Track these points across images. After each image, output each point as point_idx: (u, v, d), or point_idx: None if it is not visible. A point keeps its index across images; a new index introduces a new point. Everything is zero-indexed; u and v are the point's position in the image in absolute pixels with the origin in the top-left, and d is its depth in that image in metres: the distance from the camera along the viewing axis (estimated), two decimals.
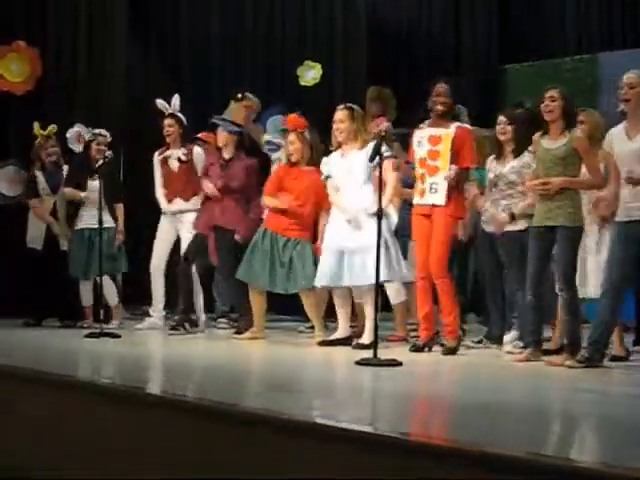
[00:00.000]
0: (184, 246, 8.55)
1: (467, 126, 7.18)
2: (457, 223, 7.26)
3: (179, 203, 8.73)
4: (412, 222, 7.11)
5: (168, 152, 8.77)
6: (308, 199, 7.73)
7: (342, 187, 7.41)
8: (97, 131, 8.93)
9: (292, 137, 7.81)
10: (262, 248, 7.71)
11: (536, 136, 6.61)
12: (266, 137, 8.24)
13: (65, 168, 9.01)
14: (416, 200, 7.06)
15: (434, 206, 6.91)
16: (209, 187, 8.30)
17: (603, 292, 6.11)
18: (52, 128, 8.98)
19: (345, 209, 7.30)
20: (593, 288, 6.58)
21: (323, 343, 7.39)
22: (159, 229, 8.81)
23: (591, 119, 6.82)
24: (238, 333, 8.01)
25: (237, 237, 8.13)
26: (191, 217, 8.62)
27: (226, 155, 8.35)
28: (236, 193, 8.25)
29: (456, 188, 6.95)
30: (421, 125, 7.12)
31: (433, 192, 6.90)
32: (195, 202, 8.65)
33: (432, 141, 6.98)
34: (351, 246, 7.20)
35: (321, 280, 7.37)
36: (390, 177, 7.20)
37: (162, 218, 8.82)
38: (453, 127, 6.97)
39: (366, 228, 7.10)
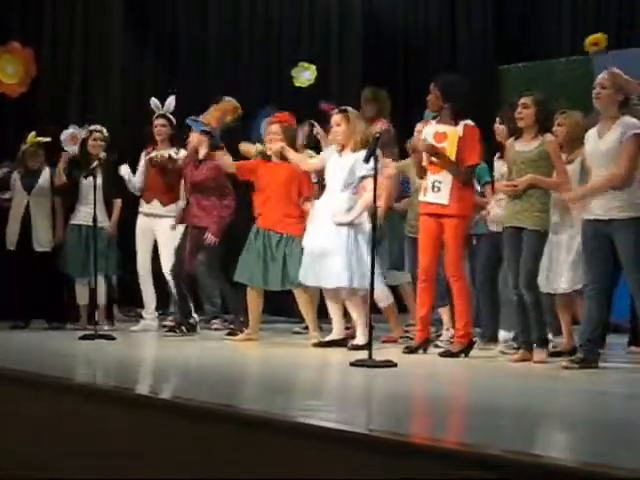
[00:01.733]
0: (162, 252, 8.62)
1: (473, 124, 6.90)
2: (467, 221, 6.98)
3: (156, 206, 8.76)
4: (419, 221, 6.96)
5: (155, 153, 8.78)
6: (288, 192, 7.72)
7: (328, 184, 7.45)
8: (93, 127, 8.95)
9: (275, 128, 7.79)
10: (255, 247, 7.72)
11: (509, 141, 6.64)
12: (259, 147, 8.22)
13: (47, 170, 9.00)
14: (420, 197, 6.93)
15: (441, 205, 6.76)
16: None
17: (586, 292, 6.15)
18: (43, 138, 9.00)
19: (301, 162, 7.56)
20: (565, 282, 6.70)
21: (318, 344, 7.40)
22: (137, 231, 8.82)
23: (570, 120, 6.82)
24: (231, 334, 8.01)
25: (206, 240, 8.15)
26: (166, 223, 8.66)
27: (200, 155, 8.32)
28: (206, 191, 8.24)
29: (464, 186, 6.80)
30: (431, 120, 7.06)
31: (436, 190, 6.75)
32: (171, 209, 8.70)
33: (437, 138, 6.81)
34: (319, 248, 7.25)
35: (302, 277, 7.43)
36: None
37: (139, 218, 8.84)
38: (461, 125, 6.80)
39: (332, 233, 7.17)
